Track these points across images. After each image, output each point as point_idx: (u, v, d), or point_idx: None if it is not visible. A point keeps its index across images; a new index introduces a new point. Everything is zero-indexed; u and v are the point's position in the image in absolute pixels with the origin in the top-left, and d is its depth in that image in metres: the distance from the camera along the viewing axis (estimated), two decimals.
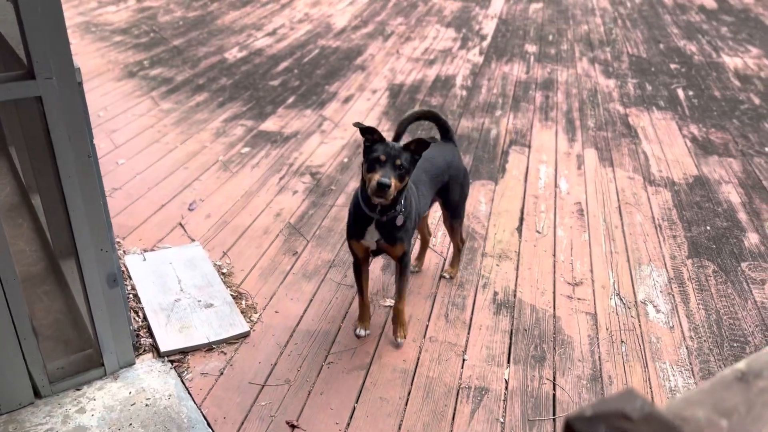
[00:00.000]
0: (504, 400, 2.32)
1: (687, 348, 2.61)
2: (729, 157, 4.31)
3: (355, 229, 2.40)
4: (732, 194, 3.82)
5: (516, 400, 2.33)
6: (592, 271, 3.08)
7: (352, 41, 6.74)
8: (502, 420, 2.24)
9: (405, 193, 2.32)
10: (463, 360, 2.51)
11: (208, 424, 2.16)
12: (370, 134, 2.25)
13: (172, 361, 2.42)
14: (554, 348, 2.59)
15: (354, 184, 3.78)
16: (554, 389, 2.38)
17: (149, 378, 2.33)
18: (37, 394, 2.21)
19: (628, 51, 6.68)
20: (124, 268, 2.92)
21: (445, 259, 3.12)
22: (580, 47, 6.77)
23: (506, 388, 2.38)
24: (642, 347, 2.61)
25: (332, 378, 2.39)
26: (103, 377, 2.31)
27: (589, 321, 2.74)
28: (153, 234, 3.24)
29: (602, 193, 3.79)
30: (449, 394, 2.34)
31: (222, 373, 2.39)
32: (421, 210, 2.54)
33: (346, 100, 5.14)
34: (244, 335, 2.57)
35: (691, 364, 2.53)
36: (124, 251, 3.05)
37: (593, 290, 2.94)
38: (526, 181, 3.91)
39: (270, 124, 4.62)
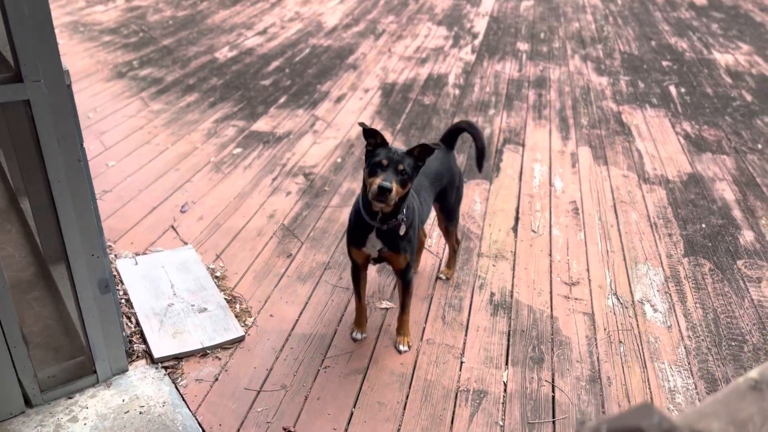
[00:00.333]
0: (503, 403, 2.30)
1: (685, 347, 2.60)
2: (722, 155, 4.31)
3: (355, 237, 2.33)
4: (726, 191, 3.82)
5: (515, 402, 2.30)
6: (588, 270, 3.06)
7: (344, 40, 6.70)
8: (501, 423, 2.21)
9: (407, 201, 2.24)
10: (461, 362, 2.48)
11: None
12: (372, 137, 2.17)
13: (165, 368, 2.39)
14: (552, 349, 2.57)
15: (348, 185, 3.75)
16: (553, 391, 2.36)
17: (143, 385, 2.29)
18: (28, 403, 2.16)
19: (620, 48, 6.68)
20: (115, 273, 2.87)
21: (440, 260, 3.10)
22: (572, 45, 6.76)
23: (505, 390, 2.36)
24: (640, 347, 2.59)
25: (329, 382, 2.36)
26: (95, 385, 2.27)
27: (587, 321, 2.73)
28: (145, 237, 3.19)
29: (597, 192, 3.77)
30: (447, 398, 2.32)
31: (217, 379, 2.35)
32: (424, 218, 2.49)
33: (339, 99, 5.10)
34: (239, 340, 2.54)
35: (689, 363, 2.51)
36: (115, 255, 3.00)
37: (590, 290, 2.92)
38: (520, 180, 3.89)
39: (262, 125, 4.57)
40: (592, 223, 3.45)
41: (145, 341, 2.49)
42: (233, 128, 4.49)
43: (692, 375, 2.45)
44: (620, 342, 2.62)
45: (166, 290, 2.78)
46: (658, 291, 2.94)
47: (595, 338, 2.63)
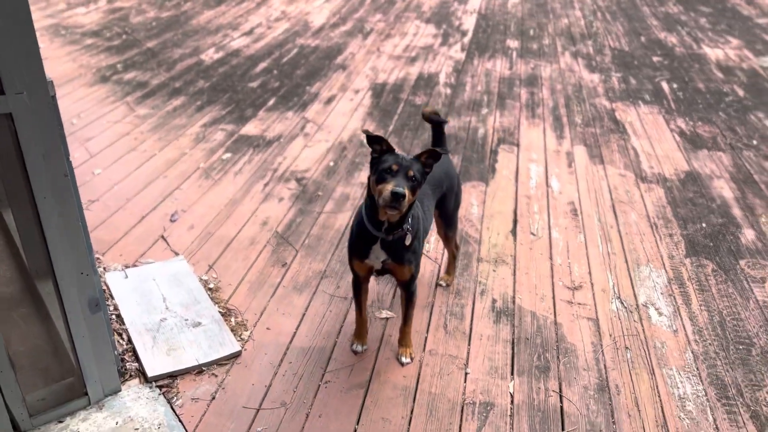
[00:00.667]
0: (510, 416, 2.23)
1: (692, 352, 2.55)
2: (718, 151, 4.28)
3: (358, 248, 2.25)
4: (725, 189, 3.78)
5: (523, 414, 2.24)
6: (590, 273, 3.00)
7: (332, 39, 6.60)
8: None
9: (412, 210, 2.17)
10: (466, 373, 2.41)
11: None
12: (378, 144, 2.09)
13: (160, 387, 2.29)
14: (558, 357, 2.51)
15: (342, 189, 3.66)
16: (561, 401, 2.30)
17: (137, 406, 2.20)
18: (17, 429, 2.06)
19: (610, 44, 6.64)
20: (105, 287, 2.77)
21: (440, 266, 3.03)
22: (562, 41, 6.71)
23: (512, 402, 2.29)
24: (647, 353, 2.54)
25: (330, 398, 2.28)
26: (87, 407, 2.17)
27: (592, 327, 2.67)
28: (134, 248, 3.09)
29: (595, 192, 3.72)
30: (453, 411, 2.24)
31: (214, 398, 2.27)
32: (427, 227, 2.41)
33: (329, 100, 5.01)
34: (236, 355, 2.45)
35: (698, 369, 2.46)
36: (104, 268, 2.90)
37: (593, 294, 2.87)
38: (517, 181, 3.83)
39: (251, 128, 4.48)
40: (592, 224, 3.40)
41: (137, 359, 2.39)
42: (222, 132, 4.39)
43: (701, 381, 2.40)
44: (626, 348, 2.56)
45: (158, 304, 2.68)
46: (661, 294, 2.88)
47: (601, 345, 2.58)
